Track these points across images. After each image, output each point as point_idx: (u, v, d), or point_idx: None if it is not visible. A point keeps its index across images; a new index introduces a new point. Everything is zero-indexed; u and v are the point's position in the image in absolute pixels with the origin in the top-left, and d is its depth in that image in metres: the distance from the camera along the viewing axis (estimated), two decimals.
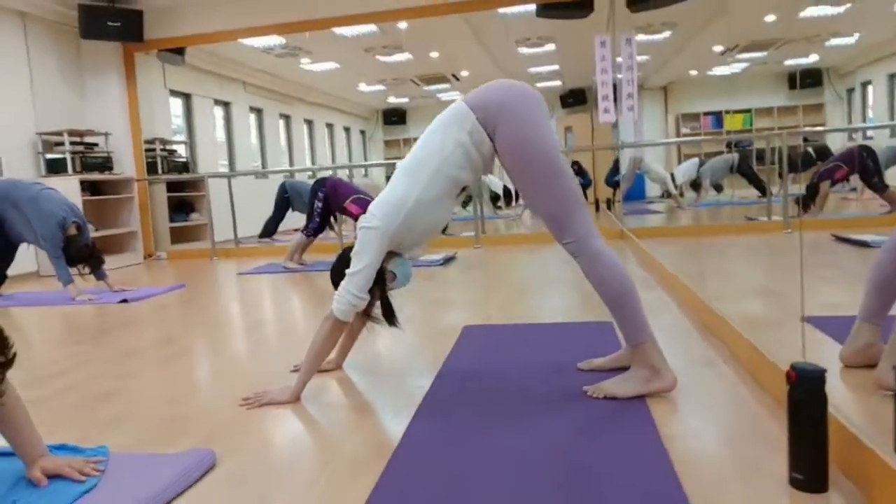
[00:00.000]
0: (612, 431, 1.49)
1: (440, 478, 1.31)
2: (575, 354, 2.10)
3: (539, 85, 12.40)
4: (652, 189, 11.65)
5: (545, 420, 1.58)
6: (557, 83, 12.34)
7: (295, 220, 7.86)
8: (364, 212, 5.33)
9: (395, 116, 14.37)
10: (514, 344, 2.36)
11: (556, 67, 10.76)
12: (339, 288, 1.83)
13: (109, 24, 6.23)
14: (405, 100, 13.40)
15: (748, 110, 12.05)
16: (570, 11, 5.69)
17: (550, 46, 9.01)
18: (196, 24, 6.52)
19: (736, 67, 11.31)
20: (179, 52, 7.00)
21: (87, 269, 4.20)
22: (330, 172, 6.92)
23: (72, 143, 5.99)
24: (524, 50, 9.13)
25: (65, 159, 5.94)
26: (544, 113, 1.77)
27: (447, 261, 4.89)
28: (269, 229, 7.64)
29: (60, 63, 6.35)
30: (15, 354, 1.21)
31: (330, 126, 12.84)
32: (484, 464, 1.36)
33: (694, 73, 11.95)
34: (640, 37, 8.13)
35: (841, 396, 1.61)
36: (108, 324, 3.32)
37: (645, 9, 5.54)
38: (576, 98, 12.89)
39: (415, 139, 12.76)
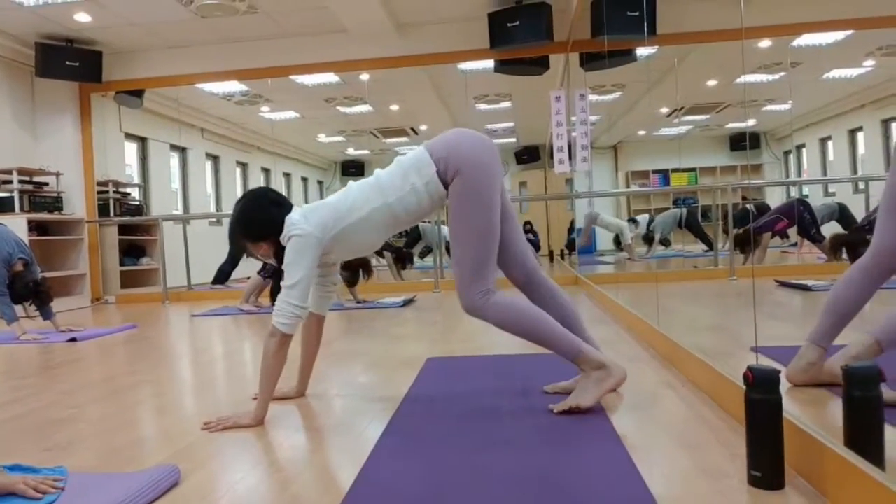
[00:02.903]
0: (579, 444, 1.52)
1: (410, 495, 1.30)
2: (540, 380, 2.13)
3: (495, 141, 12.78)
4: (602, 243, 11.99)
5: (513, 436, 1.60)
6: (512, 140, 12.73)
7: (248, 267, 7.76)
8: None
9: (353, 168, 14.47)
10: (478, 372, 2.38)
11: (511, 124, 11.13)
12: (278, 302, 1.82)
13: (68, 63, 6.18)
14: (364, 152, 13.57)
15: (693, 169, 12.64)
16: (527, 68, 5.96)
17: (506, 104, 9.36)
18: (155, 66, 6.54)
19: (681, 129, 11.92)
20: (138, 94, 6.98)
21: (33, 308, 4.04)
22: None
23: (21, 182, 5.83)
24: (482, 106, 9.44)
25: (12, 198, 5.77)
26: (498, 168, 1.86)
27: (407, 303, 4.90)
28: (224, 275, 7.51)
29: (12, 100, 6.24)
30: None
31: (287, 175, 12.84)
32: (455, 479, 1.36)
33: (642, 133, 12.54)
34: (592, 96, 8.54)
35: (791, 406, 1.69)
36: (55, 360, 3.18)
37: (596, 68, 5.85)
38: (530, 155, 13.30)
39: None
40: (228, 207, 10.19)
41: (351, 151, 13.43)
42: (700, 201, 11.32)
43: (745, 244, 6.34)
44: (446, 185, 1.81)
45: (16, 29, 5.81)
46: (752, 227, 6.45)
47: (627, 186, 12.86)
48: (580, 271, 6.71)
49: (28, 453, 1.67)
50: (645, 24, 4.69)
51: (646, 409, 1.77)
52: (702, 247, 9.18)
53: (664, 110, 10.36)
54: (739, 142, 12.84)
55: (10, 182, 5.78)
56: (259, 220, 1.89)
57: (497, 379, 2.25)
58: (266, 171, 11.81)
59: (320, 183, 14.61)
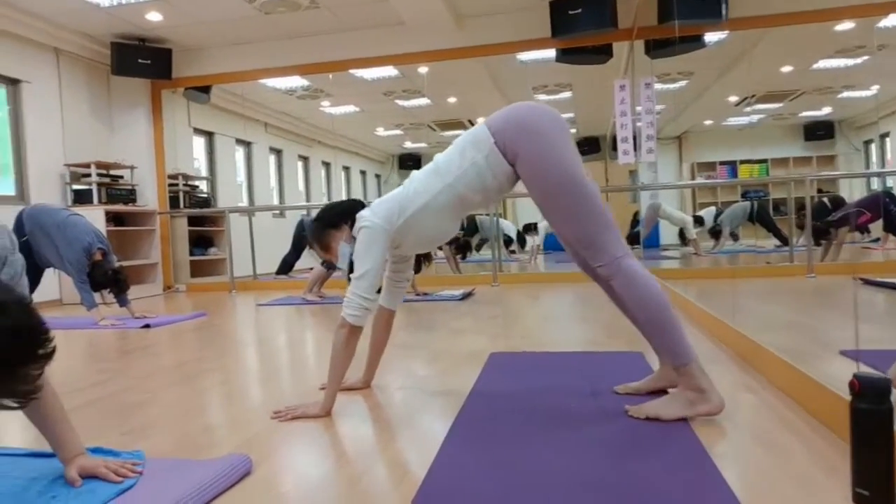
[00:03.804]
0: (660, 451, 1.45)
1: (480, 496, 1.26)
2: (608, 380, 2.06)
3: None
4: (666, 237, 11.65)
5: (586, 439, 1.54)
6: (572, 131, 12.52)
7: (312, 258, 7.91)
8: None
9: (410, 161, 14.56)
10: (543, 369, 2.32)
11: (570, 115, 10.93)
12: (348, 293, 1.82)
13: (140, 61, 6.42)
14: (421, 145, 13.62)
15: (764, 160, 12.12)
16: (590, 56, 5.81)
17: (567, 94, 9.18)
18: (222, 63, 6.71)
19: (752, 118, 11.44)
20: (205, 90, 7.19)
21: (111, 295, 4.22)
22: None
23: (98, 175, 6.10)
24: (541, 97, 9.30)
25: (91, 190, 6.04)
26: (566, 135, 1.75)
27: (466, 296, 4.87)
28: (287, 266, 7.67)
29: (91, 97, 6.52)
30: (55, 347, 1.20)
31: (347, 169, 13.03)
32: (526, 482, 1.31)
33: (709, 122, 12.10)
34: (657, 85, 8.28)
35: None
36: (131, 346, 3.31)
37: (663, 55, 5.65)
38: (590, 146, 13.04)
39: None
40: (291, 200, 10.42)
41: (408, 145, 13.50)
42: (771, 194, 10.86)
43: (822, 236, 6.03)
44: (511, 164, 1.73)
45: (93, 29, 6.06)
46: (829, 221, 6.11)
47: (693, 178, 12.45)
48: (645, 265, 6.50)
49: (108, 436, 1.73)
50: (719, 7, 4.49)
51: (727, 414, 1.67)
52: (774, 241, 8.79)
53: (733, 99, 9.95)
54: (815, 131, 12.22)
55: (89, 175, 6.06)
56: (336, 209, 1.99)
57: (563, 377, 2.19)
58: (326, 164, 12.01)
59: (378, 176, 14.76)
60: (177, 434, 1.74)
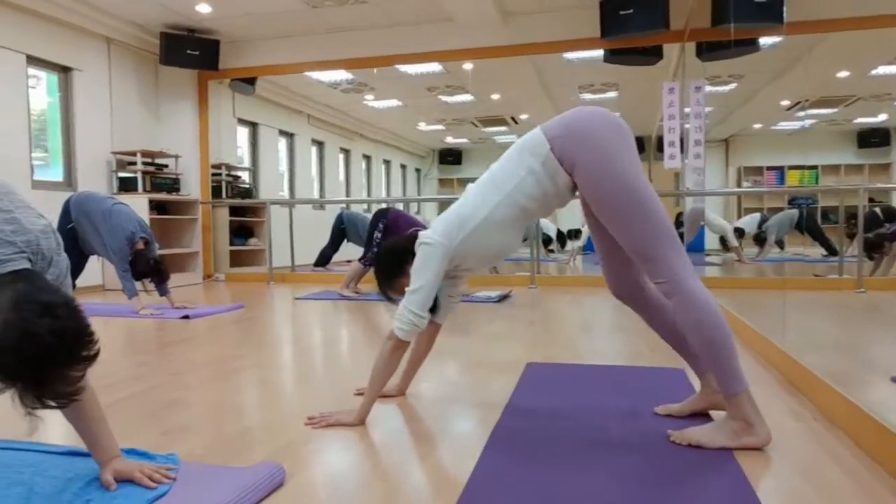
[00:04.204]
0: (702, 482, 1.39)
1: None
2: (648, 398, 2.00)
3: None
4: (711, 241, 11.38)
5: (625, 464, 1.49)
6: None
7: (349, 251, 7.96)
8: None
9: (450, 157, 14.53)
10: (581, 383, 2.26)
11: (617, 115, 10.74)
12: (399, 307, 1.79)
13: (188, 52, 6.52)
14: (463, 140, 13.57)
15: (815, 167, 11.72)
16: (639, 57, 5.67)
17: (613, 93, 9.02)
18: (268, 55, 6.77)
19: (805, 123, 11.07)
20: (250, 81, 7.27)
21: (151, 284, 4.30)
22: (390, 204, 7.00)
23: (144, 164, 6.22)
24: (587, 95, 9.15)
25: (136, 178, 6.17)
26: (628, 142, 1.66)
27: (502, 298, 4.82)
28: (325, 258, 7.74)
29: (139, 86, 6.66)
30: (99, 350, 1.20)
31: (387, 162, 13.07)
32: None
33: (758, 126, 11.75)
34: (706, 87, 8.07)
35: None
36: (169, 338, 3.36)
37: (715, 58, 5.49)
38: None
39: (470, 180, 12.72)
40: (331, 191, 10.51)
41: (449, 140, 13.46)
42: (820, 201, 10.49)
43: (874, 249, 5.79)
44: (569, 173, 1.65)
45: (143, 19, 6.17)
46: (883, 234, 5.86)
47: (739, 182, 12.12)
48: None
49: (145, 435, 1.74)
50: (778, 11, 4.33)
51: (773, 444, 1.60)
52: (821, 250, 8.49)
53: (785, 103, 9.64)
54: (869, 138, 11.76)
55: (135, 163, 6.19)
56: (394, 255, 1.90)
57: (602, 393, 2.13)
58: (367, 158, 12.07)
59: (418, 171, 14.77)
60: (212, 436, 1.74)
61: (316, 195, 10.22)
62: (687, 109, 5.78)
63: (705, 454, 1.54)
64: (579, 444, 1.63)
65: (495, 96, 9.26)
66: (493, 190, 1.73)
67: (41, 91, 5.74)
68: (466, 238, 1.73)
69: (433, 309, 1.89)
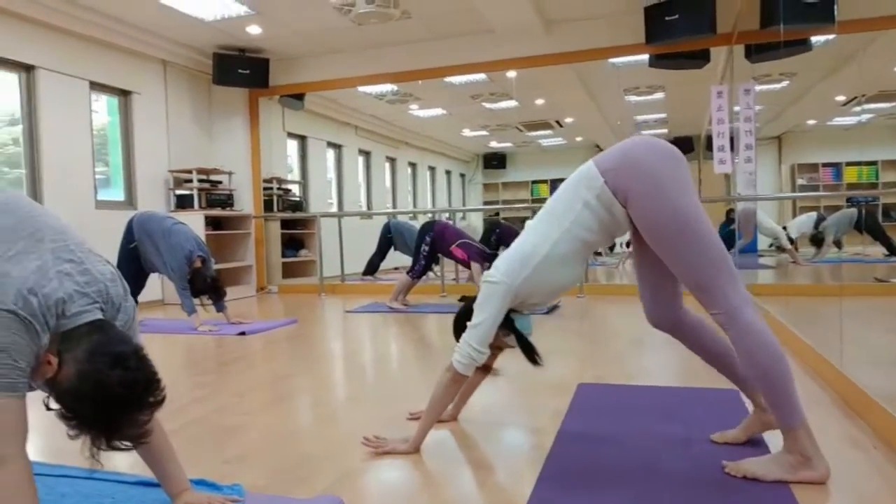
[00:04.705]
0: None
1: None
2: (702, 423, 1.99)
3: (644, 133, 12.21)
4: (764, 241, 11.05)
5: (679, 497, 1.49)
6: (663, 131, 12.10)
7: (395, 259, 8.07)
8: (468, 256, 5.34)
9: (495, 160, 14.54)
10: (633, 407, 2.26)
11: (662, 115, 10.56)
12: (461, 341, 1.84)
13: (239, 71, 6.73)
14: (507, 145, 13.57)
15: (874, 162, 11.25)
16: (686, 61, 5.58)
17: (659, 95, 8.87)
18: (316, 71, 6.93)
19: (861, 118, 10.65)
20: (299, 97, 7.45)
21: (209, 300, 4.46)
22: (434, 216, 7.08)
23: (199, 181, 6.45)
24: (632, 98, 9.04)
25: (192, 195, 6.40)
26: (682, 171, 1.66)
27: (551, 309, 4.81)
28: (372, 267, 7.88)
29: (193, 106, 6.91)
30: (165, 396, 1.27)
31: (432, 169, 13.17)
32: None
33: (812, 122, 11.36)
34: (757, 87, 7.87)
35: None
36: (227, 356, 3.49)
37: (765, 59, 5.36)
38: (682, 146, 12.52)
39: (514, 183, 12.69)
40: (377, 199, 10.66)
41: (494, 144, 13.46)
42: (881, 198, 10.06)
43: None
44: (623, 205, 1.66)
45: (197, 41, 6.40)
46: None
47: (793, 180, 11.73)
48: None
49: (208, 464, 1.83)
50: (829, 10, 4.20)
51: (833, 480, 1.57)
52: (882, 250, 8.15)
53: (840, 98, 9.30)
54: None
55: (191, 181, 6.42)
56: (467, 309, 1.89)
57: (655, 417, 2.12)
58: (413, 165, 12.18)
59: (462, 176, 14.82)
60: (273, 465, 1.82)
61: (363, 203, 10.38)
62: (737, 108, 5.65)
63: (761, 487, 1.53)
64: (632, 474, 1.63)
65: (539, 101, 9.24)
66: (552, 226, 1.75)
67: (101, 108, 6.02)
68: (530, 276, 1.75)
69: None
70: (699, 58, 5.58)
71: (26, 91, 5.19)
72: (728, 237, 9.15)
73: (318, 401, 2.51)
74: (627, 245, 9.79)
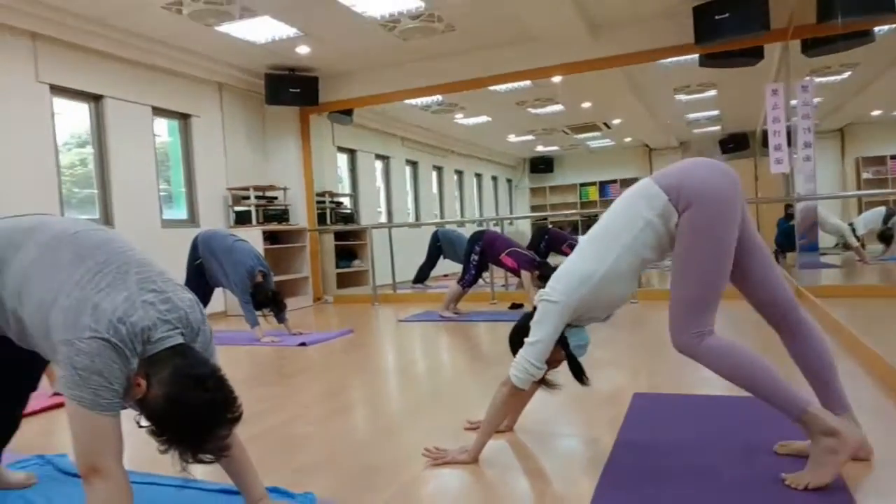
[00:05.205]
0: None
1: None
2: (762, 433, 1.97)
3: (695, 131, 11.95)
4: (826, 239, 10.64)
5: None
6: (716, 128, 11.82)
7: (445, 266, 8.16)
8: (518, 264, 5.35)
9: (542, 164, 14.49)
10: (691, 417, 2.25)
11: (715, 112, 10.34)
12: (518, 356, 1.88)
13: (290, 90, 6.95)
14: (554, 148, 13.51)
15: None
16: (739, 60, 5.47)
17: (711, 93, 8.70)
18: (364, 87, 7.10)
19: None
20: (348, 112, 7.63)
21: (270, 312, 4.63)
22: (482, 224, 7.14)
23: (256, 198, 6.69)
24: (682, 97, 8.89)
25: (250, 211, 6.64)
26: (737, 202, 1.71)
27: (607, 317, 4.77)
28: (423, 275, 7.99)
29: (247, 126, 7.17)
30: (241, 413, 1.37)
31: (478, 176, 13.23)
32: None
33: (877, 113, 10.91)
34: (815, 79, 7.61)
35: None
36: (289, 367, 3.62)
37: (823, 53, 5.21)
38: (737, 143, 12.24)
39: (562, 187, 12.60)
40: (425, 206, 10.79)
41: (540, 148, 13.44)
42: None
43: None
44: (680, 212, 1.71)
45: (250, 63, 6.65)
46: None
47: (857, 175, 11.28)
48: (801, 279, 6.02)
49: (280, 473, 1.92)
50: (887, 1, 4.06)
51: None
52: None
53: None
54: None
55: (248, 198, 6.66)
56: (520, 333, 1.96)
57: (715, 429, 2.11)
58: (459, 173, 12.28)
59: (509, 181, 14.83)
60: (340, 474, 1.90)
61: (411, 212, 10.52)
62: (793, 102, 5.50)
63: (824, 496, 1.52)
64: (692, 485, 1.64)
65: (586, 104, 9.19)
66: (610, 244, 1.78)
67: (161, 129, 6.30)
68: (588, 293, 1.79)
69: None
70: (752, 55, 5.46)
71: (95, 118, 5.51)
72: (787, 233, 8.86)
73: (378, 411, 2.59)
74: None
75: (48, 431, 2.56)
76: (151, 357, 1.31)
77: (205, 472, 1.94)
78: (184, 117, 6.40)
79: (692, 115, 10.43)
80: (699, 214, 1.68)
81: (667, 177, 1.75)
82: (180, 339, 1.37)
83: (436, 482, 1.79)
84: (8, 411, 1.85)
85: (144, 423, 1.29)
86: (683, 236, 1.71)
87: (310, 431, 2.35)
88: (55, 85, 5.06)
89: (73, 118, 5.37)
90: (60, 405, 2.89)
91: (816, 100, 9.03)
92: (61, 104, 5.20)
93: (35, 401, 1.95)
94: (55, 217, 1.60)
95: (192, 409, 1.26)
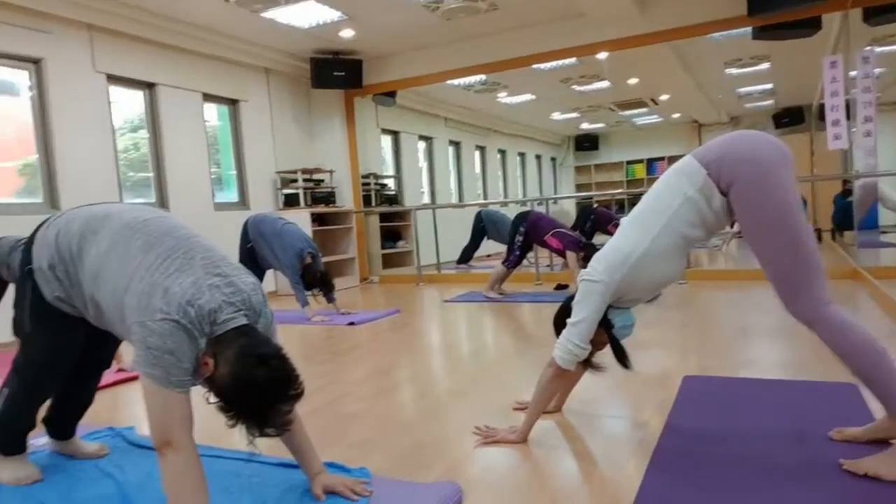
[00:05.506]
0: None
1: None
2: (817, 419, 1.94)
3: (747, 106, 11.57)
4: (886, 216, 10.21)
5: (796, 496, 1.48)
6: (769, 103, 11.41)
7: (488, 247, 8.17)
8: (563, 245, 5.33)
9: (587, 142, 14.27)
10: (742, 401, 2.23)
11: (768, 86, 9.97)
12: (561, 337, 1.89)
13: (335, 73, 7.01)
14: (599, 125, 13.27)
15: None
16: (794, 31, 5.26)
17: (764, 65, 8.39)
18: (407, 68, 7.10)
19: None
20: (391, 94, 7.66)
21: (319, 293, 4.74)
22: (525, 205, 7.11)
23: (304, 180, 6.81)
24: (733, 71, 8.61)
25: (298, 194, 6.77)
26: (787, 168, 1.65)
27: (652, 299, 4.72)
28: (466, 256, 8.02)
29: (294, 110, 7.28)
30: (303, 389, 1.43)
31: (522, 155, 13.12)
32: None
33: None
34: (878, 48, 7.26)
35: None
36: (339, 345, 3.72)
37: (887, 21, 4.96)
38: (791, 117, 11.80)
39: (608, 165, 12.37)
40: (468, 186, 10.78)
41: (585, 126, 13.22)
42: None
43: None
44: (724, 194, 1.68)
45: (295, 48, 6.73)
46: None
47: None
48: (860, 258, 5.81)
49: (335, 449, 1.99)
50: None
51: None
52: None
53: None
54: None
55: (296, 181, 6.79)
56: (563, 314, 1.96)
57: (767, 413, 2.09)
58: (502, 152, 12.20)
59: (553, 160, 14.66)
60: (392, 450, 1.96)
61: (454, 192, 10.53)
62: (853, 73, 5.27)
63: (884, 487, 1.50)
64: (744, 470, 1.64)
65: (632, 81, 8.98)
66: (651, 221, 1.77)
67: (211, 115, 6.45)
68: (629, 273, 1.78)
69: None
70: (809, 26, 5.24)
71: (150, 105, 5.68)
72: (845, 209, 8.52)
73: (425, 390, 2.65)
74: (731, 224, 9.37)
75: (115, 406, 2.71)
76: (218, 338, 1.38)
77: (267, 448, 2.03)
78: (233, 102, 6.53)
79: (744, 90, 10.09)
80: (746, 187, 1.64)
81: (708, 151, 1.72)
82: (244, 321, 1.43)
83: (485, 460, 1.84)
84: (85, 386, 1.99)
85: (213, 399, 1.37)
86: (742, 215, 1.67)
87: (361, 408, 2.43)
88: (111, 74, 5.23)
89: (125, 104, 5.55)
90: (125, 381, 3.05)
91: (878, 71, 8.62)
92: (116, 92, 5.38)
93: (104, 376, 2.07)
94: (124, 205, 1.69)
95: (257, 386, 1.33)
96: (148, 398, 1.36)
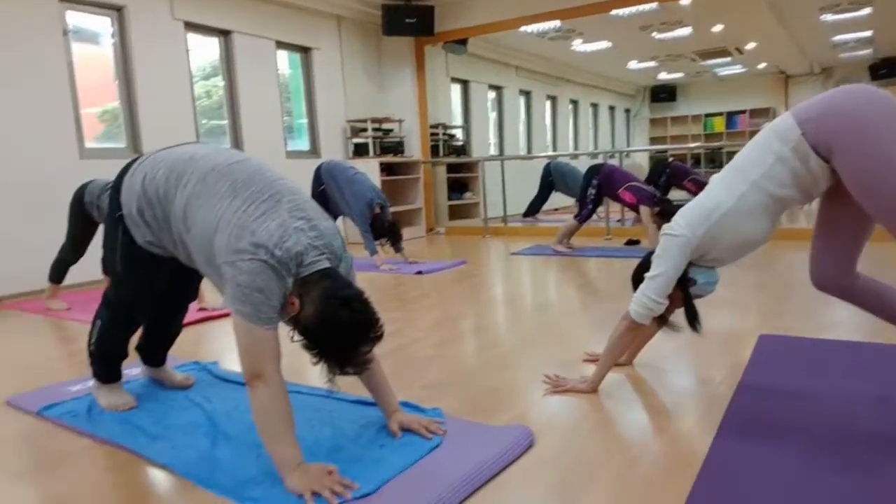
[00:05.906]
0: None
1: None
2: None
3: (841, 56, 10.77)
4: None
5: (882, 464, 1.43)
6: (866, 52, 10.58)
7: (556, 200, 8.06)
8: (637, 200, 5.21)
9: (664, 93, 13.68)
10: (822, 362, 2.16)
11: (867, 34, 9.23)
12: (638, 291, 1.87)
13: (406, 20, 6.93)
14: (678, 75, 12.67)
15: None
16: None
17: (865, 11, 7.75)
18: (481, 15, 6.94)
19: None
20: (463, 42, 7.53)
21: (387, 242, 4.83)
22: (599, 157, 6.93)
23: (373, 130, 6.85)
24: (828, 17, 7.99)
25: (367, 144, 6.83)
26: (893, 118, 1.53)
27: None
28: (534, 209, 7.95)
29: (364, 58, 7.27)
30: (383, 332, 1.47)
31: (594, 106, 12.73)
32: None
33: None
34: None
35: None
36: (408, 294, 3.79)
37: None
38: (890, 68, 10.93)
39: (685, 117, 11.93)
40: (537, 138, 10.59)
41: (663, 76, 12.66)
42: None
43: None
44: (825, 157, 1.57)
45: None
46: None
47: None
48: None
49: (409, 390, 2.06)
50: None
51: None
52: None
53: None
54: None
55: (366, 130, 6.84)
56: (643, 264, 1.98)
57: (848, 374, 2.02)
58: (574, 102, 11.87)
59: (627, 111, 14.16)
60: (463, 394, 2.01)
61: (523, 144, 10.37)
62: None
63: None
64: (821, 431, 1.60)
65: (717, 28, 8.49)
66: (738, 179, 1.71)
67: (283, 63, 6.52)
68: (710, 229, 1.73)
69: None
70: None
71: (225, 53, 5.80)
72: None
73: (493, 340, 2.68)
74: None
75: (199, 342, 2.88)
76: (304, 279, 1.44)
77: (346, 385, 2.12)
78: (304, 50, 6.58)
79: (839, 38, 9.37)
80: (849, 149, 1.53)
81: (806, 109, 1.62)
82: (327, 264, 1.48)
83: (555, 407, 1.86)
84: (173, 316, 2.13)
85: (297, 338, 1.43)
86: (851, 176, 1.55)
87: (432, 354, 2.49)
88: (189, 21, 5.35)
89: (198, 52, 5.68)
90: (207, 319, 3.23)
91: None
92: (194, 39, 5.51)
93: (187, 315, 2.20)
94: (208, 147, 1.74)
95: (340, 326, 1.38)
96: (238, 333, 1.44)
